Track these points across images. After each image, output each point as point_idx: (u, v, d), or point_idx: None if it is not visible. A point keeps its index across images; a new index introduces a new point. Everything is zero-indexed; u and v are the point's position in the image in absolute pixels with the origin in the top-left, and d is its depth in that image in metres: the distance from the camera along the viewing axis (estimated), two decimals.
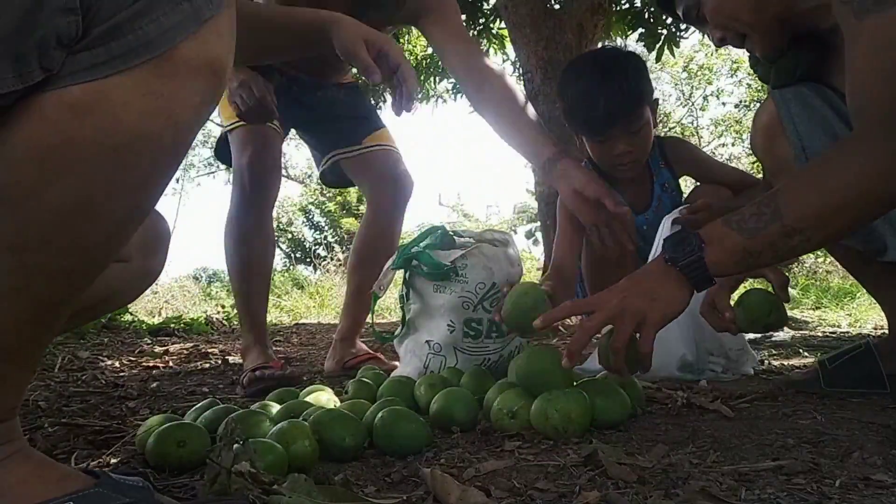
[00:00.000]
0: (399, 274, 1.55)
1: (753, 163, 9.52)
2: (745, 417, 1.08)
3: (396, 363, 1.66)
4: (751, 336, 2.25)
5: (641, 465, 0.81)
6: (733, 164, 11.41)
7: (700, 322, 1.24)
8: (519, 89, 1.63)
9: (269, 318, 1.88)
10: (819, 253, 5.30)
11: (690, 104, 14.02)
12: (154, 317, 5.05)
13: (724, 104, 14.75)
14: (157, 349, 2.74)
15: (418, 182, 2.00)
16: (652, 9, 3.65)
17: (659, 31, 3.72)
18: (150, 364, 2.25)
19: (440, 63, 1.68)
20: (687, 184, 1.86)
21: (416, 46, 5.64)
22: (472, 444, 0.98)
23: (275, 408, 1.14)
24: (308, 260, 12.78)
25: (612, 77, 1.53)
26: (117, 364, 2.26)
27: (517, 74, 5.22)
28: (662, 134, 7.78)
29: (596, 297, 1.01)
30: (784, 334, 2.40)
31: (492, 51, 4.78)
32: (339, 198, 13.41)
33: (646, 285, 0.97)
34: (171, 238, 1.14)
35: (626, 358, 0.96)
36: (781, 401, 1.19)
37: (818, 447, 0.89)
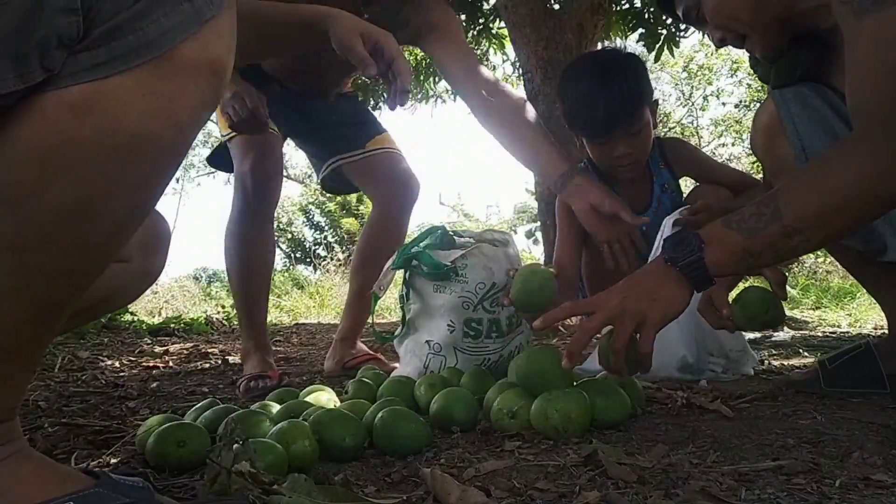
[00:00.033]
0: (399, 274, 1.55)
1: (753, 163, 9.51)
2: (745, 417, 1.08)
3: (396, 364, 1.66)
4: (751, 336, 2.26)
5: (641, 465, 0.81)
6: (733, 164, 11.43)
7: (700, 322, 1.24)
8: (528, 105, 1.62)
9: (269, 318, 1.88)
10: (819, 253, 5.30)
11: (690, 104, 14.01)
12: (154, 317, 5.05)
13: (724, 104, 14.73)
14: (157, 349, 2.74)
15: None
16: (652, 9, 3.64)
17: (659, 31, 3.72)
18: (150, 364, 2.25)
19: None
20: (687, 184, 1.86)
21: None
22: (472, 444, 0.98)
23: (275, 408, 1.14)
24: (308, 260, 12.77)
25: (612, 79, 1.54)
26: (117, 364, 2.26)
27: (517, 74, 5.22)
28: (662, 134, 7.79)
29: (596, 298, 1.01)
30: (784, 334, 2.40)
31: (491, 51, 4.78)
32: (339, 198, 13.40)
33: (646, 286, 0.97)
34: (172, 238, 1.14)
35: (626, 358, 0.96)
36: (781, 401, 1.19)
37: (818, 447, 0.89)
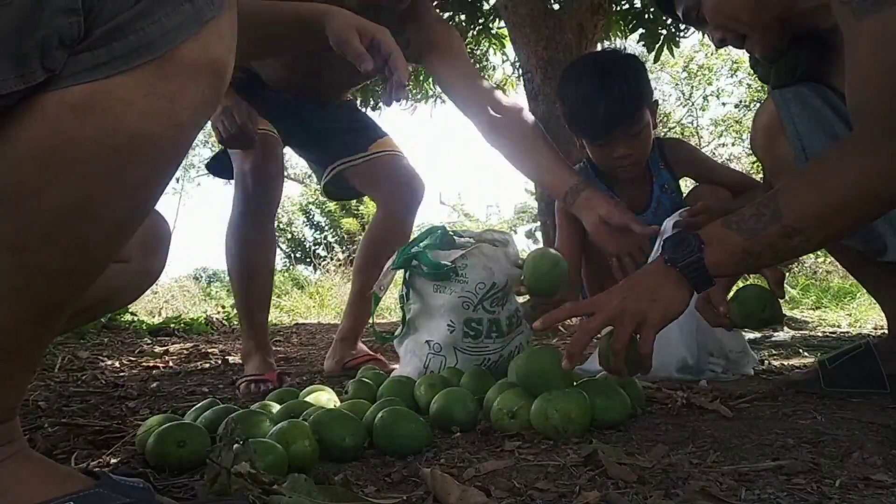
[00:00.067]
0: (399, 274, 1.55)
1: (753, 163, 9.51)
2: (745, 417, 1.08)
3: (396, 365, 1.66)
4: (751, 336, 2.26)
5: (641, 465, 0.81)
6: (733, 164, 11.43)
7: (700, 323, 1.24)
8: (533, 120, 1.62)
9: (269, 318, 1.88)
10: (819, 253, 5.30)
11: (690, 104, 14.01)
12: (154, 317, 5.05)
13: (724, 104, 14.73)
14: (157, 349, 2.74)
15: None
16: (652, 9, 3.64)
17: (659, 31, 3.72)
18: (150, 364, 2.25)
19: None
20: (686, 184, 1.86)
21: None
22: (472, 444, 0.98)
23: (275, 408, 1.14)
24: (308, 260, 12.77)
25: (612, 81, 1.54)
26: (117, 364, 2.26)
27: (517, 74, 5.22)
28: (662, 134, 7.79)
29: (596, 298, 1.01)
30: (784, 334, 2.40)
31: (491, 51, 4.78)
32: None
33: (646, 286, 0.97)
34: (172, 238, 1.14)
35: (626, 359, 0.96)
36: (781, 401, 1.19)
37: (818, 447, 0.89)
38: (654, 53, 3.76)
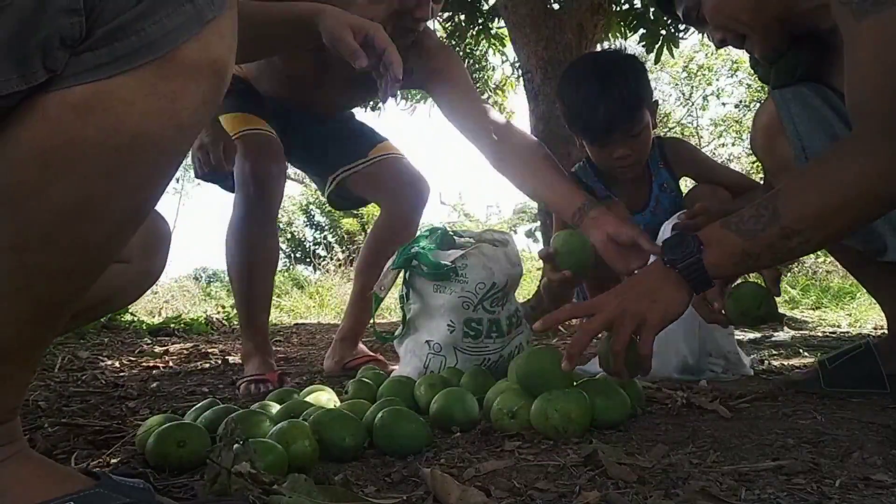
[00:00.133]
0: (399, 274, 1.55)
1: (753, 163, 9.51)
2: (745, 417, 1.08)
3: (396, 365, 1.66)
4: (751, 335, 2.26)
5: (641, 465, 0.81)
6: (733, 164, 11.43)
7: (700, 323, 1.24)
8: (538, 143, 1.63)
9: (269, 319, 1.88)
10: (819, 253, 5.30)
11: (690, 104, 14.02)
12: (154, 317, 5.05)
13: (724, 104, 14.75)
14: (157, 349, 2.74)
15: None
16: (652, 9, 3.65)
17: (659, 31, 3.72)
18: (150, 364, 2.25)
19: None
20: (686, 184, 1.86)
21: None
22: (472, 444, 0.98)
23: (275, 408, 1.14)
24: (308, 260, 12.76)
25: (611, 82, 1.54)
26: (117, 364, 2.26)
27: (517, 74, 5.22)
28: (662, 134, 7.79)
29: (596, 300, 1.02)
30: (784, 334, 2.40)
31: (491, 51, 4.78)
32: None
33: (645, 287, 0.97)
34: (172, 238, 1.14)
35: (625, 360, 0.96)
36: (781, 401, 1.19)
37: (818, 447, 0.89)
38: (653, 54, 3.77)
